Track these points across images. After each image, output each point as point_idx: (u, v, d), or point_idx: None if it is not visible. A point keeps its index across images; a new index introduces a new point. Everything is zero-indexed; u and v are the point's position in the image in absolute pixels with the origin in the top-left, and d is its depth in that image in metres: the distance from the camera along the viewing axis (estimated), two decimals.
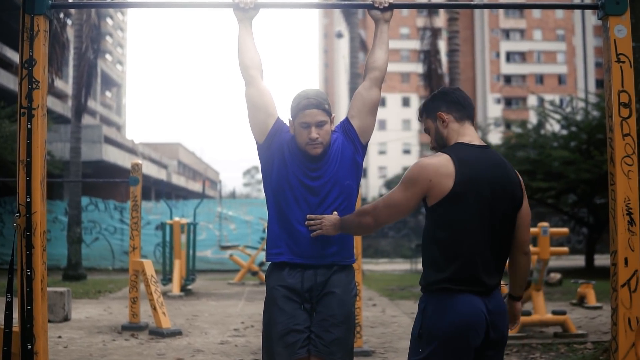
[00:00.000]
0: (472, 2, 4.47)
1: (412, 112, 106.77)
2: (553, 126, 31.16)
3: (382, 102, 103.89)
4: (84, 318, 13.08)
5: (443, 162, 4.07)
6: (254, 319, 13.05)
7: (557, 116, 29.80)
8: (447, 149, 4.21)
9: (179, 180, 60.45)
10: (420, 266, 24.85)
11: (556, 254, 12.26)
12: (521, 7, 5.57)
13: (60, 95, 48.85)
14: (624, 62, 4.54)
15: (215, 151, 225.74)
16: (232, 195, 70.60)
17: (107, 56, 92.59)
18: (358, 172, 4.83)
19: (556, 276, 20.63)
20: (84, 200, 28.70)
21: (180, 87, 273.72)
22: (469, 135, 4.25)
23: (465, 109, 4.31)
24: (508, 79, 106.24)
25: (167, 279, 17.92)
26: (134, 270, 11.72)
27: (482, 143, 4.29)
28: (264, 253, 20.42)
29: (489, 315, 4.03)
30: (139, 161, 12.20)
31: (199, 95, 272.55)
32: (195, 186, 73.30)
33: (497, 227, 4.14)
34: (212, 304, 15.82)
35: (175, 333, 11.09)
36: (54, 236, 27.63)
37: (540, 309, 11.22)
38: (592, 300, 14.88)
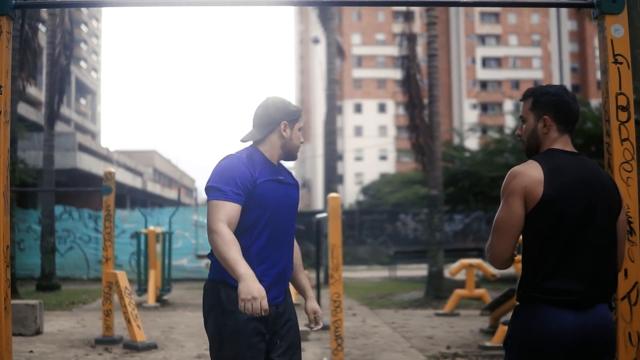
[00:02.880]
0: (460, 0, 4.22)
1: (389, 118, 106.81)
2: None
3: (358, 108, 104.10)
4: (57, 331, 12.72)
5: (534, 168, 3.95)
6: None
7: None
8: (538, 155, 4.08)
9: (154, 188, 60.04)
10: (399, 273, 24.82)
11: None
12: (517, 5, 5.30)
13: (34, 103, 48.45)
14: (621, 63, 4.33)
15: (191, 158, 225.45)
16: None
17: (82, 63, 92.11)
18: None
19: None
20: (58, 209, 28.25)
21: (156, 95, 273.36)
22: (561, 143, 4.10)
23: (571, 125, 4.14)
24: (484, 84, 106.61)
25: (142, 289, 17.56)
26: (108, 282, 11.37)
27: (574, 151, 4.13)
28: None
29: (581, 331, 3.85)
30: (112, 169, 11.81)
31: (175, 103, 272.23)
32: (171, 194, 72.90)
33: (593, 234, 3.95)
34: (189, 315, 15.48)
35: (151, 347, 10.75)
36: (27, 246, 27.18)
37: None
38: None
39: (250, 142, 4.64)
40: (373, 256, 42.34)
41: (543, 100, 4.12)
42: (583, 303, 3.85)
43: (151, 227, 18.10)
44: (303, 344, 9.44)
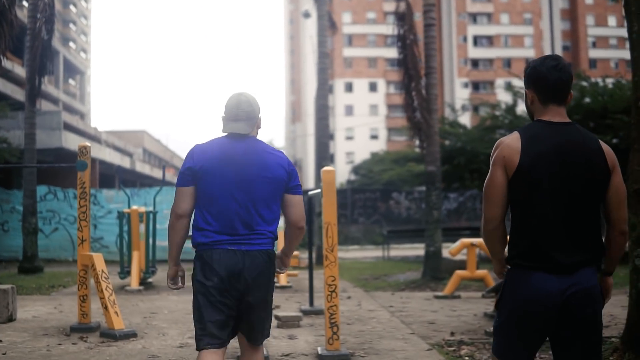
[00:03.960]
0: None
1: (380, 97, 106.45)
2: None
3: (349, 88, 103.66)
4: (31, 318, 11.85)
5: (513, 139, 4.27)
6: None
7: None
8: (522, 127, 4.41)
9: (143, 168, 59.03)
10: (392, 253, 24.06)
11: None
12: None
13: (20, 82, 47.47)
14: None
15: (181, 138, 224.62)
16: None
17: (71, 44, 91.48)
18: None
19: None
20: (43, 189, 27.48)
21: (147, 75, 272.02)
22: (549, 114, 4.33)
23: (552, 95, 4.34)
24: (475, 63, 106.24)
25: (124, 272, 16.68)
26: (83, 265, 10.50)
27: (564, 120, 4.34)
28: None
29: (564, 295, 4.13)
30: (87, 144, 10.91)
31: (165, 83, 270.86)
32: (161, 174, 71.98)
33: (572, 204, 4.21)
34: (173, 299, 14.61)
35: (129, 335, 9.88)
36: (12, 227, 26.20)
37: None
38: None
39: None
40: (366, 236, 41.60)
41: (526, 75, 4.44)
42: (566, 268, 4.13)
43: (134, 207, 17.17)
44: (294, 331, 8.52)
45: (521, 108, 30.24)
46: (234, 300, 5.16)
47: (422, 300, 14.25)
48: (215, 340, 5.17)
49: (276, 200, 5.32)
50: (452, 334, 10.03)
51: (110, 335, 9.81)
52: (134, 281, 16.08)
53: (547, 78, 4.29)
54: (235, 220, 5.17)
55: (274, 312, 10.16)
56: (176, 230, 5.34)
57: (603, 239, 4.38)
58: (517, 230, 4.28)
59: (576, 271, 4.15)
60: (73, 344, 9.48)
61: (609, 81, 28.46)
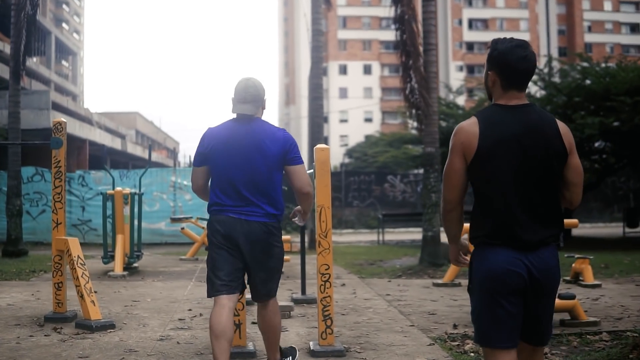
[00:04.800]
0: None
1: (374, 79, 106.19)
2: (529, 88, 29.49)
3: (343, 70, 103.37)
4: (5, 306, 11.10)
5: (471, 125, 4.37)
6: (204, 305, 11.16)
7: (534, 77, 28.07)
8: (480, 110, 4.50)
9: (135, 150, 58.19)
10: (387, 237, 23.45)
11: (567, 226, 10.41)
12: None
13: (8, 62, 46.74)
14: None
15: (175, 120, 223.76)
16: (192, 165, 68.29)
17: (64, 25, 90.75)
18: None
19: None
20: (30, 171, 26.91)
21: (140, 57, 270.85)
22: (507, 98, 4.42)
23: (516, 81, 4.41)
24: (470, 46, 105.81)
25: (108, 256, 15.93)
26: (58, 250, 9.76)
27: (521, 102, 4.43)
28: None
29: (527, 270, 4.27)
30: (63, 119, 10.10)
31: (159, 65, 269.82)
32: (153, 155, 71.36)
33: (532, 184, 4.31)
34: (158, 285, 13.88)
35: (107, 326, 9.12)
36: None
37: None
38: (589, 277, 13.21)
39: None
40: (360, 219, 40.97)
41: (491, 56, 4.46)
42: (529, 245, 4.27)
43: (118, 188, 16.38)
44: (284, 322, 8.30)
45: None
46: (238, 256, 6.22)
47: (421, 288, 13.51)
48: (224, 287, 6.14)
49: (275, 175, 6.24)
50: (455, 326, 9.30)
51: (86, 326, 9.08)
52: (117, 266, 15.34)
53: (516, 68, 4.38)
54: (237, 194, 6.20)
55: None
56: (201, 196, 6.61)
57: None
58: (479, 212, 4.45)
59: (538, 249, 4.32)
60: (45, 335, 8.75)
61: (610, 65, 27.75)
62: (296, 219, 6.76)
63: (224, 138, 6.24)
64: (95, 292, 12.31)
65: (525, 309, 4.38)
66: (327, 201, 7.76)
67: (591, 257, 13.67)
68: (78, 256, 9.49)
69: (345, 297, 12.20)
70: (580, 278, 13.33)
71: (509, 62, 4.38)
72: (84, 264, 9.56)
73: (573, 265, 13.50)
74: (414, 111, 17.68)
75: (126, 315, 10.21)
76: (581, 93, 25.28)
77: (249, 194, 6.17)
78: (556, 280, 4.43)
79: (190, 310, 10.73)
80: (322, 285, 7.65)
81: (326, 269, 7.67)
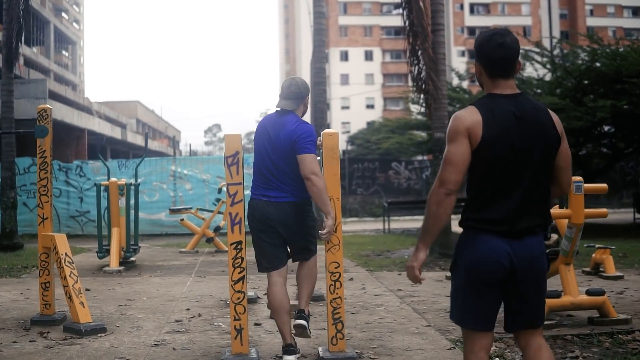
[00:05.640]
0: None
1: (375, 65, 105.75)
2: (538, 71, 28.79)
3: (345, 56, 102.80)
4: None
5: (473, 113, 4.38)
6: (203, 304, 10.45)
7: (543, 59, 27.30)
8: (477, 101, 4.50)
9: (135, 139, 57.49)
10: (393, 225, 22.70)
11: (593, 217, 9.63)
12: None
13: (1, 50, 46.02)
14: None
15: (176, 109, 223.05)
16: (192, 154, 67.54)
17: (63, 14, 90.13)
18: None
19: (553, 237, 18.15)
20: (27, 161, 26.17)
21: (140, 46, 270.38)
22: (499, 87, 4.47)
23: (498, 70, 4.46)
24: (472, 31, 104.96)
25: (103, 250, 15.19)
26: (45, 248, 9.04)
27: (514, 92, 4.48)
28: (220, 216, 17.65)
29: (512, 257, 4.32)
30: (48, 106, 9.33)
31: (159, 54, 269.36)
32: (154, 144, 70.72)
33: (528, 173, 4.36)
34: (155, 281, 13.13)
35: (97, 330, 8.37)
36: None
37: (571, 288, 8.72)
38: (611, 268, 12.44)
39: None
40: (364, 207, 40.21)
41: (475, 47, 4.56)
42: (516, 233, 4.32)
43: (113, 179, 15.62)
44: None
45: (528, 71, 28.77)
46: (275, 235, 6.95)
47: (433, 282, 12.73)
48: (270, 266, 7.00)
49: (286, 163, 6.86)
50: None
51: (74, 330, 8.36)
52: (113, 261, 14.61)
53: (492, 56, 4.44)
54: (267, 179, 6.95)
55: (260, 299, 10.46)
56: None
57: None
58: (473, 195, 4.45)
59: (525, 237, 4.36)
60: (30, 341, 8.04)
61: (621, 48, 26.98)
62: (324, 236, 6.97)
63: (261, 129, 7.12)
64: (88, 290, 11.71)
65: (513, 296, 4.43)
66: (337, 192, 7.01)
67: (613, 247, 12.89)
68: (66, 254, 8.79)
69: (355, 293, 11.44)
70: (601, 269, 12.61)
71: (486, 50, 4.48)
72: (72, 262, 8.85)
73: (593, 255, 12.78)
74: (421, 95, 16.89)
75: (119, 317, 9.48)
76: (591, 75, 24.54)
77: (277, 179, 6.90)
78: (542, 268, 4.46)
79: (188, 309, 10.00)
80: (331, 285, 6.93)
81: (336, 268, 6.95)
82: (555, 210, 8.70)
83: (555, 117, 4.52)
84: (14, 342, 8.00)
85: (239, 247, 6.89)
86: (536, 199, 4.42)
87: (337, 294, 6.92)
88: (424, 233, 4.48)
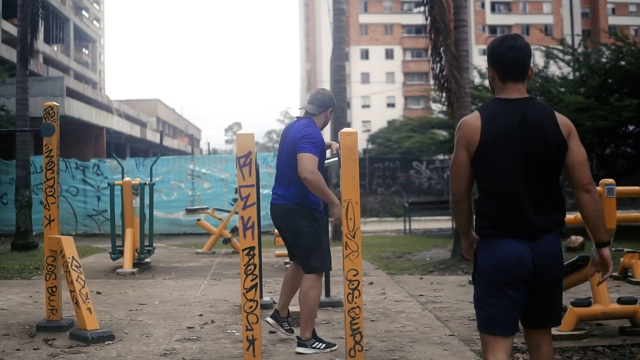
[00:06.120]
0: None
1: (396, 64, 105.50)
2: (562, 69, 28.28)
3: (365, 55, 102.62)
4: None
5: (474, 119, 4.53)
6: (217, 309, 10.06)
7: (567, 57, 26.78)
8: (482, 105, 4.72)
9: (154, 137, 57.23)
10: (414, 226, 22.31)
11: (626, 222, 9.16)
12: None
13: None
14: None
15: (195, 108, 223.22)
16: (212, 153, 67.16)
17: (83, 12, 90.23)
18: None
19: (578, 239, 17.71)
20: (42, 159, 25.76)
21: (162, 44, 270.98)
22: (508, 91, 4.57)
23: (509, 72, 4.57)
24: (493, 29, 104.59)
25: (117, 252, 14.82)
26: (51, 251, 8.67)
27: (522, 96, 4.57)
28: (236, 217, 17.30)
29: (532, 259, 4.39)
30: (55, 103, 8.95)
31: (179, 53, 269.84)
32: (174, 143, 70.55)
33: (533, 174, 4.44)
34: (169, 284, 12.76)
35: (104, 337, 7.99)
36: (11, 199, 24.40)
37: (602, 296, 8.27)
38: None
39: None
40: (384, 207, 39.78)
41: (488, 52, 4.73)
42: (530, 234, 4.40)
43: (127, 178, 15.25)
44: None
45: (551, 70, 28.24)
46: (283, 235, 7.66)
47: (456, 286, 12.29)
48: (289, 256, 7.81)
49: (294, 163, 7.20)
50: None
51: (81, 338, 7.98)
52: (126, 263, 14.25)
53: (504, 58, 4.54)
54: (276, 179, 7.63)
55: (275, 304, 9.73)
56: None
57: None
58: (483, 203, 4.54)
59: (541, 236, 4.42)
60: (34, 349, 7.66)
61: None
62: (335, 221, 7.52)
63: (283, 132, 7.71)
64: (99, 293, 11.37)
65: (531, 295, 4.50)
66: (355, 195, 6.58)
67: None
68: (72, 257, 8.41)
69: (374, 298, 11.01)
70: (630, 274, 12.20)
71: (498, 53, 4.58)
72: (80, 266, 8.47)
73: (622, 260, 12.36)
74: (443, 93, 16.44)
75: (129, 323, 9.10)
76: (616, 74, 24.04)
77: (278, 181, 7.53)
78: (560, 265, 4.55)
79: (201, 315, 9.60)
80: (349, 294, 6.47)
81: (354, 275, 6.49)
82: None
83: (561, 118, 4.59)
84: (17, 349, 7.64)
85: (251, 253, 6.38)
86: (547, 199, 4.49)
87: (355, 303, 6.47)
88: (459, 229, 4.78)
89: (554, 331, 7.85)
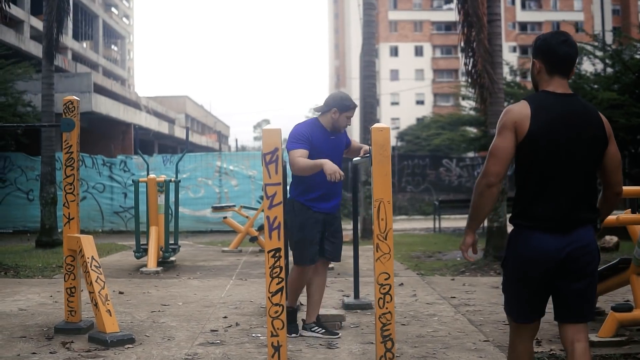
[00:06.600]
0: None
1: (425, 61, 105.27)
2: (596, 65, 27.76)
3: (395, 52, 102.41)
4: (17, 311, 9.73)
5: (523, 107, 4.57)
6: (242, 311, 9.72)
7: (600, 53, 26.23)
8: (529, 96, 4.68)
9: (183, 134, 57.03)
10: (443, 224, 22.01)
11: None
12: None
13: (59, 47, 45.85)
14: None
15: (224, 105, 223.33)
16: (241, 149, 66.81)
17: (113, 9, 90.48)
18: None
19: (612, 239, 17.25)
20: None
21: (191, 42, 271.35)
22: (554, 85, 4.64)
23: (561, 68, 4.63)
24: (524, 26, 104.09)
25: (141, 250, 14.52)
26: (70, 250, 8.37)
27: (567, 92, 4.64)
28: (263, 215, 17.14)
29: (562, 252, 4.47)
30: (75, 97, 8.62)
31: (208, 50, 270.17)
32: (202, 140, 70.41)
33: (573, 168, 4.52)
34: (194, 284, 12.44)
35: (124, 340, 7.67)
36: (37, 195, 24.24)
37: None
38: None
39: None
40: (414, 205, 39.34)
41: (535, 46, 4.74)
42: (563, 227, 4.49)
43: (152, 175, 14.96)
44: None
45: (584, 67, 27.70)
46: None
47: (489, 288, 11.90)
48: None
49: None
50: (539, 342, 7.74)
51: (99, 341, 7.67)
52: (150, 261, 13.96)
53: (557, 51, 4.60)
54: None
55: (303, 306, 9.43)
56: None
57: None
58: (520, 191, 4.65)
59: (574, 230, 4.50)
60: (51, 352, 7.35)
61: None
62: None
63: (322, 131, 8.05)
64: (122, 293, 11.10)
65: (562, 289, 4.60)
66: (387, 194, 6.19)
67: None
68: (92, 257, 8.11)
69: (405, 300, 10.64)
70: None
71: (551, 46, 4.63)
72: (100, 266, 8.16)
73: None
74: (476, 89, 16.03)
75: (151, 325, 8.79)
76: None
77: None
78: (595, 258, 4.59)
79: (225, 317, 9.26)
80: (380, 298, 6.09)
81: (386, 279, 6.11)
82: (627, 216, 7.83)
83: (605, 119, 4.66)
84: (34, 353, 7.33)
85: (277, 255, 6.01)
86: (583, 196, 4.57)
87: (386, 308, 6.10)
88: (470, 220, 4.84)
89: (594, 337, 7.51)
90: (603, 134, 4.60)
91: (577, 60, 4.79)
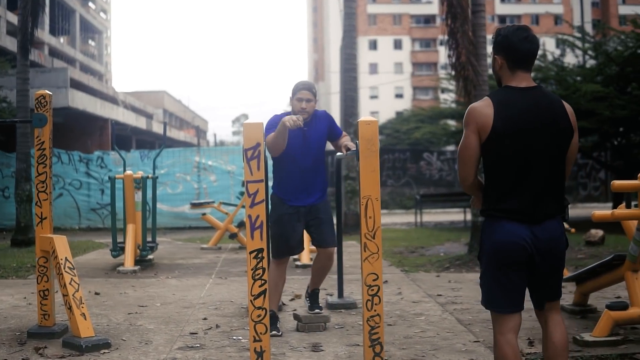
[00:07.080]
0: None
1: (404, 54, 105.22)
2: (578, 57, 27.58)
3: (373, 45, 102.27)
4: None
5: (485, 105, 4.65)
6: (222, 312, 9.39)
7: (581, 44, 26.04)
8: (493, 92, 4.78)
9: (161, 129, 56.57)
10: (425, 218, 21.73)
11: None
12: None
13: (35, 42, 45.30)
14: None
15: (202, 100, 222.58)
16: (219, 144, 66.40)
17: (90, 4, 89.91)
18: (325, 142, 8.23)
19: (598, 233, 17.02)
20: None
21: (168, 36, 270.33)
22: (517, 79, 4.72)
23: (520, 62, 4.72)
24: (502, 19, 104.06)
25: (117, 248, 14.15)
26: (43, 251, 8.03)
27: (530, 85, 4.72)
28: (243, 211, 16.68)
29: (533, 242, 4.59)
30: (47, 92, 8.27)
31: (186, 45, 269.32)
32: (181, 135, 70.00)
33: (541, 161, 4.60)
34: (172, 283, 12.09)
35: (100, 345, 7.33)
36: (12, 193, 23.80)
37: (639, 298, 7.60)
38: None
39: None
40: (394, 199, 39.11)
41: (496, 41, 4.85)
42: (533, 219, 4.61)
43: (128, 172, 14.62)
44: (318, 337, 7.86)
45: (567, 60, 27.53)
46: None
47: (475, 285, 11.48)
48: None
49: None
50: (531, 342, 7.43)
51: (74, 346, 7.33)
52: (127, 260, 13.59)
53: (518, 48, 4.68)
54: None
55: (286, 306, 9.62)
56: None
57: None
58: (490, 187, 4.77)
59: (544, 221, 4.62)
60: (23, 359, 7.01)
61: None
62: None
63: None
64: (98, 294, 10.77)
65: (536, 276, 4.73)
66: (375, 191, 5.88)
67: None
68: (66, 258, 7.76)
69: (391, 299, 10.28)
70: None
71: (512, 43, 4.70)
72: (73, 268, 7.82)
73: None
74: (459, 82, 15.75)
75: (127, 328, 8.44)
76: (636, 63, 23.28)
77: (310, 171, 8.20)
78: (561, 250, 4.73)
79: (205, 319, 8.92)
80: (368, 300, 5.77)
81: (374, 280, 5.80)
82: (622, 211, 7.54)
83: (569, 109, 4.77)
84: (5, 359, 6.99)
85: (259, 255, 5.68)
86: (551, 188, 4.68)
87: (375, 310, 5.78)
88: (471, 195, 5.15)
89: (588, 337, 7.26)
90: (569, 125, 4.71)
91: (537, 54, 4.85)
